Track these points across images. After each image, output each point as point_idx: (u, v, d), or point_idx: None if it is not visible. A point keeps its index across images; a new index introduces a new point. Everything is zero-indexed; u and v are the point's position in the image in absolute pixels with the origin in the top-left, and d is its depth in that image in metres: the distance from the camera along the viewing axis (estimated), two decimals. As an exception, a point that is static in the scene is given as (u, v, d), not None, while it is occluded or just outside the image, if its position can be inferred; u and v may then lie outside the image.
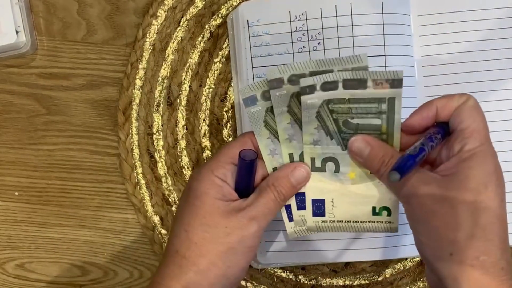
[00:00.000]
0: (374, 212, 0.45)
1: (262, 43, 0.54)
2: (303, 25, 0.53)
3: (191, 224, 0.42)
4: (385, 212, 0.45)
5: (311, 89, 0.42)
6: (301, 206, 0.46)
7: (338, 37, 0.53)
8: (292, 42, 0.53)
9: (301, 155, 0.45)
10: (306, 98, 0.43)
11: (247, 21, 0.54)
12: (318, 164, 0.45)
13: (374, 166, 0.43)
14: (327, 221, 0.46)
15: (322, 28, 0.53)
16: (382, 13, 0.52)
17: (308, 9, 0.53)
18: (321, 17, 0.53)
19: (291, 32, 0.53)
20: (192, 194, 0.43)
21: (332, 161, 0.45)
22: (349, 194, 0.45)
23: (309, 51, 0.53)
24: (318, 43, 0.53)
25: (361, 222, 0.46)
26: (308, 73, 0.43)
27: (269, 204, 0.43)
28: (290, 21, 0.53)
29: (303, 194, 0.46)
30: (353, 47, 0.53)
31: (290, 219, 0.47)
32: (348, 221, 0.46)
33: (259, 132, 0.45)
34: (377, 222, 0.46)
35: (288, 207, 0.46)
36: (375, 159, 0.42)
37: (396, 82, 0.41)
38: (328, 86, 0.42)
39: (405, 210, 0.42)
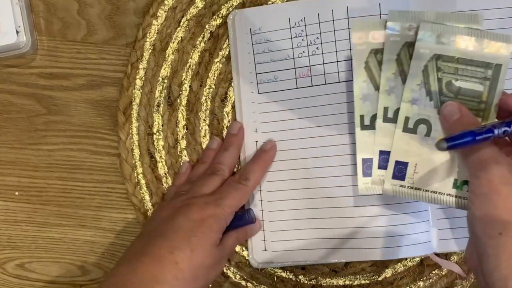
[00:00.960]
0: (455, 185, 0.45)
1: (264, 50, 0.55)
2: (302, 31, 0.54)
3: (197, 249, 0.47)
4: (465, 187, 0.45)
5: (427, 37, 0.44)
6: (382, 165, 0.47)
7: (335, 41, 0.54)
8: (292, 48, 0.55)
9: (396, 112, 0.46)
10: (420, 45, 0.44)
11: (250, 29, 0.55)
12: (410, 125, 0.46)
13: (456, 133, 0.43)
14: (405, 186, 0.47)
15: (320, 33, 0.54)
16: (380, 14, 0.53)
17: (306, 15, 0.54)
18: (319, 22, 0.54)
19: (291, 38, 0.55)
20: (206, 226, 0.49)
21: (425, 123, 0.46)
22: (434, 161, 0.45)
23: (309, 56, 0.55)
24: (317, 48, 0.54)
25: (439, 193, 0.46)
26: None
27: (234, 245, 0.53)
28: (290, 28, 0.55)
29: (388, 153, 0.47)
30: (350, 49, 0.53)
31: (366, 174, 0.48)
32: (426, 190, 0.46)
33: (358, 72, 0.47)
34: (455, 196, 0.45)
35: (366, 161, 0.47)
36: (459, 127, 0.43)
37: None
38: (443, 39, 0.44)
39: (469, 182, 0.42)
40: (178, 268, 0.46)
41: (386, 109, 0.47)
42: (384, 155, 0.47)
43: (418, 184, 0.46)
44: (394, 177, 0.47)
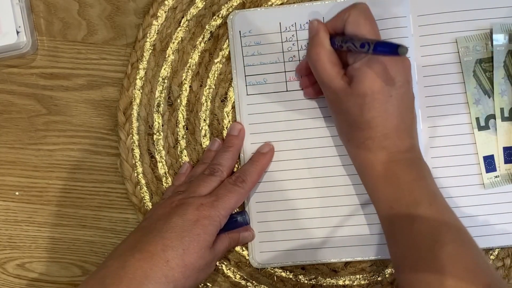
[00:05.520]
0: None
1: (254, 52, 0.56)
2: (293, 35, 0.55)
3: (189, 249, 0.48)
4: None
5: None
6: (508, 159, 0.53)
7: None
8: (283, 52, 0.56)
9: (511, 110, 0.53)
10: None
11: (239, 31, 0.55)
12: None
13: None
14: None
15: None
16: None
17: (297, 21, 0.55)
18: None
19: (282, 42, 0.56)
20: (201, 227, 0.49)
21: None
22: None
23: (299, 60, 0.55)
24: None
25: None
26: None
27: (225, 250, 0.53)
28: (281, 32, 0.56)
29: (511, 148, 0.53)
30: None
31: (488, 170, 0.53)
32: None
33: (468, 80, 0.53)
34: None
35: (487, 159, 0.52)
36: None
37: None
38: None
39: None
40: (168, 266, 0.46)
41: (502, 110, 0.53)
42: (509, 150, 0.53)
43: None
44: None
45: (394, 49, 0.43)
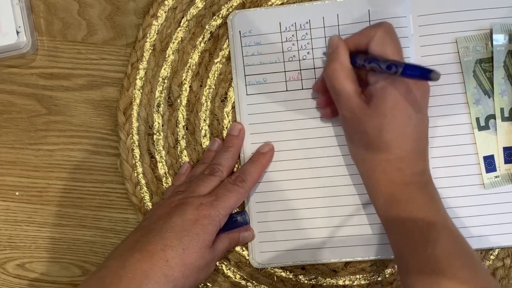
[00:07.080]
0: None
1: (254, 52, 0.56)
2: (292, 35, 0.55)
3: (189, 248, 0.48)
4: None
5: None
6: (508, 159, 0.53)
7: (326, 47, 0.55)
8: (283, 52, 0.56)
9: (511, 110, 0.53)
10: None
11: (239, 31, 0.55)
12: None
13: None
14: None
15: (311, 39, 0.55)
16: (369, 21, 0.54)
17: (297, 21, 0.55)
18: (310, 28, 0.55)
19: (282, 42, 0.56)
20: (200, 226, 0.49)
21: None
22: None
23: (299, 60, 0.55)
24: (308, 53, 0.55)
25: None
26: None
27: (225, 250, 0.53)
28: (281, 32, 0.56)
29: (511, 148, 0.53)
30: None
31: (488, 170, 0.53)
32: None
33: (468, 80, 0.53)
34: None
35: (487, 159, 0.52)
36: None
37: None
38: None
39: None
40: (168, 266, 0.46)
41: (502, 110, 0.53)
42: (509, 150, 0.53)
43: None
44: None
45: (425, 74, 0.42)
